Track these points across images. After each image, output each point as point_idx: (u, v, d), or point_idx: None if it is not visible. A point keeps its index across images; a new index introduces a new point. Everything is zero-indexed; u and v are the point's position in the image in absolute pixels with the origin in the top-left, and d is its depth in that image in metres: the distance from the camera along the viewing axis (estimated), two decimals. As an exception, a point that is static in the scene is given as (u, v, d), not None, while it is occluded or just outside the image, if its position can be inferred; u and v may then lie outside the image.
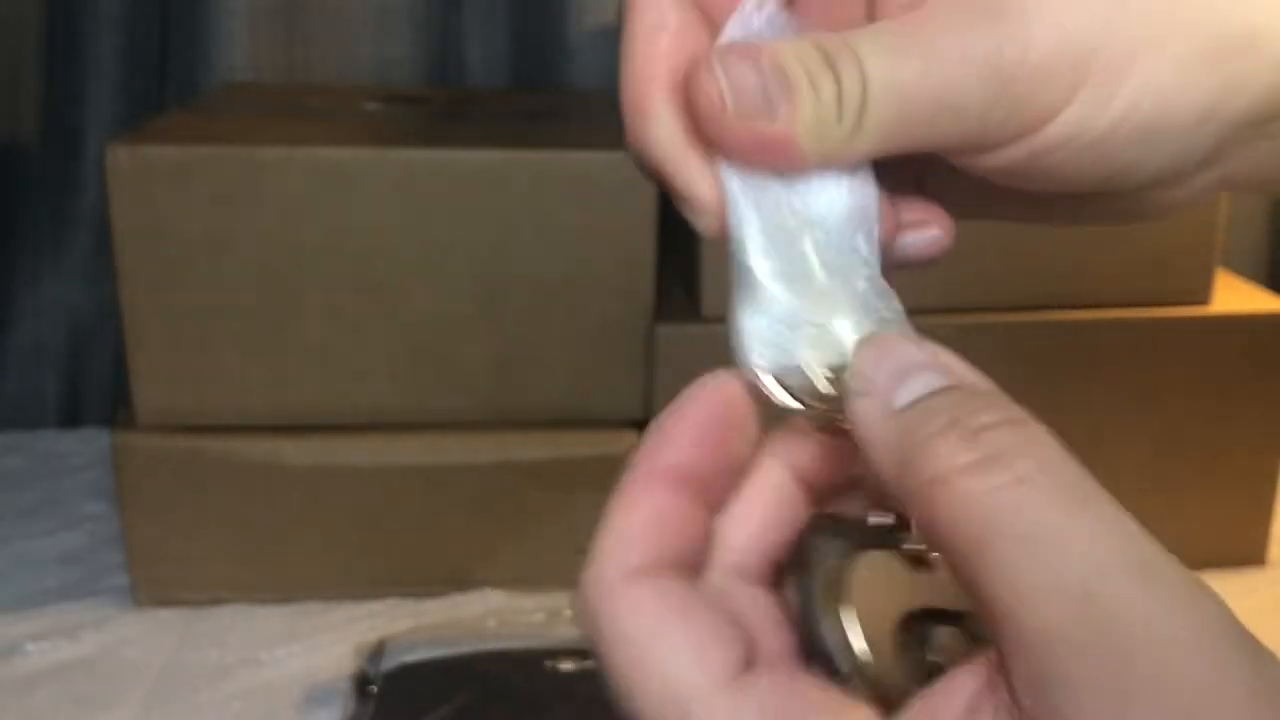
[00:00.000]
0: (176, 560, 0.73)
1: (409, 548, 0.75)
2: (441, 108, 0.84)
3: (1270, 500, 0.80)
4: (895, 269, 0.27)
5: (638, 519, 0.23)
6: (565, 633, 0.69)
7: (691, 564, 0.24)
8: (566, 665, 0.65)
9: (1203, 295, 0.76)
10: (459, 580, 0.75)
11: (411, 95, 0.88)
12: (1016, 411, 0.21)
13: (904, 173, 0.27)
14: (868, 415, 0.22)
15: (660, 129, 0.25)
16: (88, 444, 0.94)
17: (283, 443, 0.72)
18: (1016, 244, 0.73)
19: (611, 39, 0.97)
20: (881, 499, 0.25)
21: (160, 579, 0.74)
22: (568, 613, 0.71)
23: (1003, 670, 0.20)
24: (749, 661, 0.22)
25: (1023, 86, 0.24)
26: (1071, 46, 0.24)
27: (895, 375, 0.22)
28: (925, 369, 0.22)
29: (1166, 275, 0.76)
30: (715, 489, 0.24)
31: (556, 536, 0.75)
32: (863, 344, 0.23)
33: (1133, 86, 0.24)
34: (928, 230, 0.28)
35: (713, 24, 0.26)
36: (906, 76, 0.24)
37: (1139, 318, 0.75)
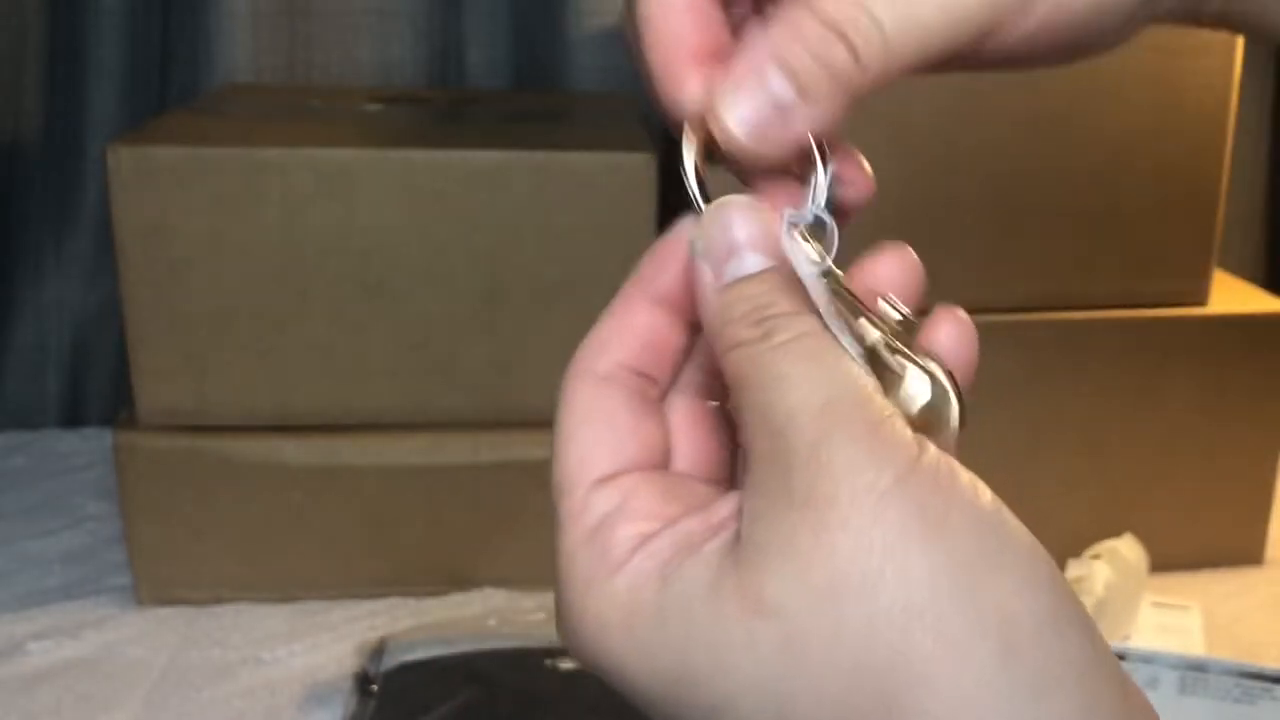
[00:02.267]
0: (178, 559, 0.74)
1: (409, 547, 0.75)
2: (442, 108, 0.85)
3: (1268, 500, 0.80)
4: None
5: (610, 328, 0.29)
6: (565, 632, 0.69)
7: (662, 370, 0.29)
8: (566, 665, 0.65)
9: (1200, 295, 0.76)
10: (459, 580, 0.75)
11: (412, 96, 0.88)
12: (799, 301, 0.26)
13: None
14: (701, 279, 0.27)
15: (692, 93, 0.29)
16: (89, 443, 0.94)
17: (284, 443, 0.72)
18: (1016, 244, 0.74)
19: (612, 39, 0.97)
20: None
21: (162, 578, 0.74)
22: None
23: (731, 513, 0.26)
24: (634, 464, 0.28)
25: None
26: None
27: (728, 249, 0.26)
28: (754, 249, 0.26)
29: (1164, 275, 0.76)
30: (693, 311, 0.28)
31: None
32: (717, 205, 0.27)
33: None
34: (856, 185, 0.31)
35: None
36: (923, 14, 0.27)
37: (1137, 318, 0.75)
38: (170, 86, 0.95)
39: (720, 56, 0.29)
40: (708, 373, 0.30)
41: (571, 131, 0.79)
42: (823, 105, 0.27)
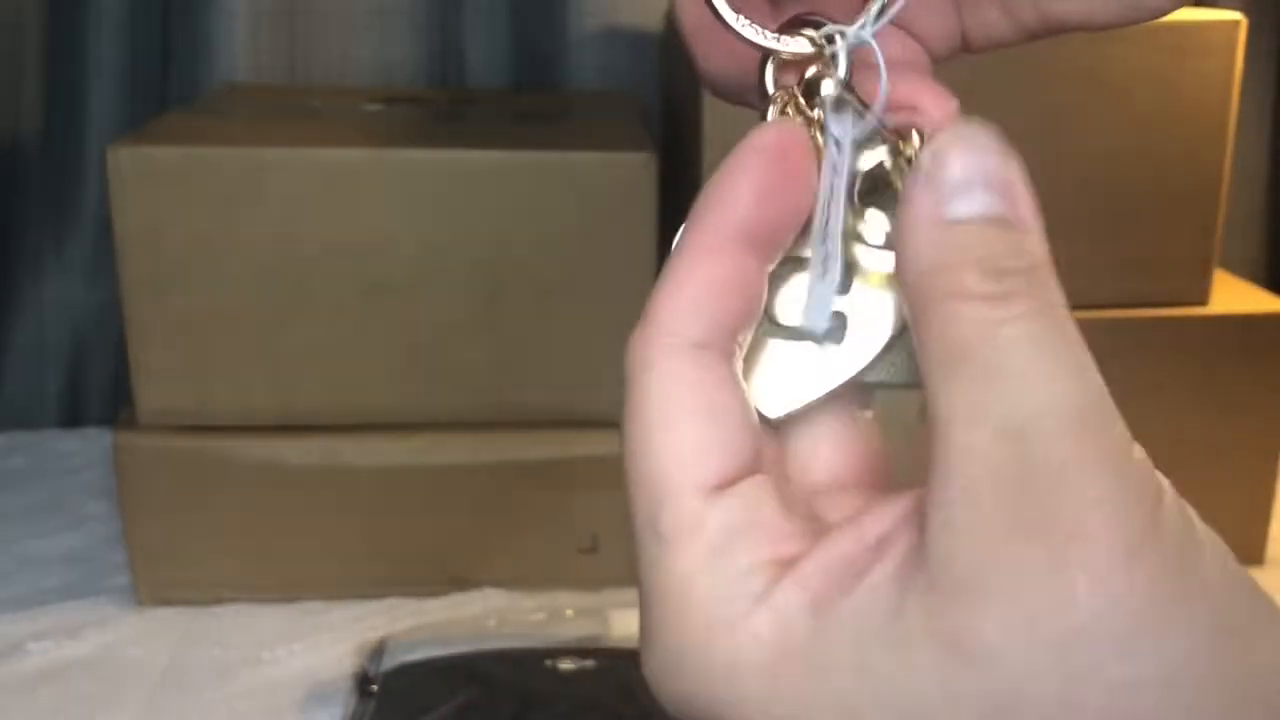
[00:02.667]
0: (178, 560, 0.74)
1: (409, 548, 0.75)
2: (441, 108, 0.85)
3: (1269, 500, 0.80)
4: None
5: (695, 284, 0.23)
6: (565, 633, 0.69)
7: (751, 324, 0.24)
8: (566, 665, 0.65)
9: (1201, 295, 0.76)
10: (459, 580, 0.75)
11: (412, 95, 0.88)
12: (1041, 257, 0.22)
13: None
14: (920, 211, 0.21)
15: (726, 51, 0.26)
16: (89, 444, 0.94)
17: (283, 443, 0.72)
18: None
19: (611, 39, 0.97)
20: None
21: (162, 578, 0.74)
22: (568, 613, 0.71)
23: (926, 498, 0.21)
24: (747, 469, 0.22)
25: None
26: None
27: (964, 181, 0.21)
28: (992, 188, 0.21)
29: (1165, 275, 0.76)
30: (778, 242, 0.24)
31: (556, 536, 0.75)
32: (951, 133, 0.22)
33: None
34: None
35: None
36: None
37: (1137, 317, 0.75)
38: (170, 86, 0.95)
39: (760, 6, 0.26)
40: None
41: (571, 131, 0.79)
42: None
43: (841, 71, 0.25)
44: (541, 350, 0.72)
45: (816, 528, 0.22)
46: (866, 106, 0.25)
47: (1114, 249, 0.75)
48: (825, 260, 0.24)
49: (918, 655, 0.19)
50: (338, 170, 0.69)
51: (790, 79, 0.25)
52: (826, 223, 0.24)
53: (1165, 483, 0.21)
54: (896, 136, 0.25)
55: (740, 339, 0.23)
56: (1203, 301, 0.76)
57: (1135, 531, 0.19)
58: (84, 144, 0.94)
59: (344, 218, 0.69)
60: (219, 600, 0.74)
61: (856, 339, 0.24)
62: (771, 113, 0.25)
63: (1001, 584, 0.19)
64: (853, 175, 0.24)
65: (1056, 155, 0.73)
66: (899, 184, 0.24)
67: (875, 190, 0.25)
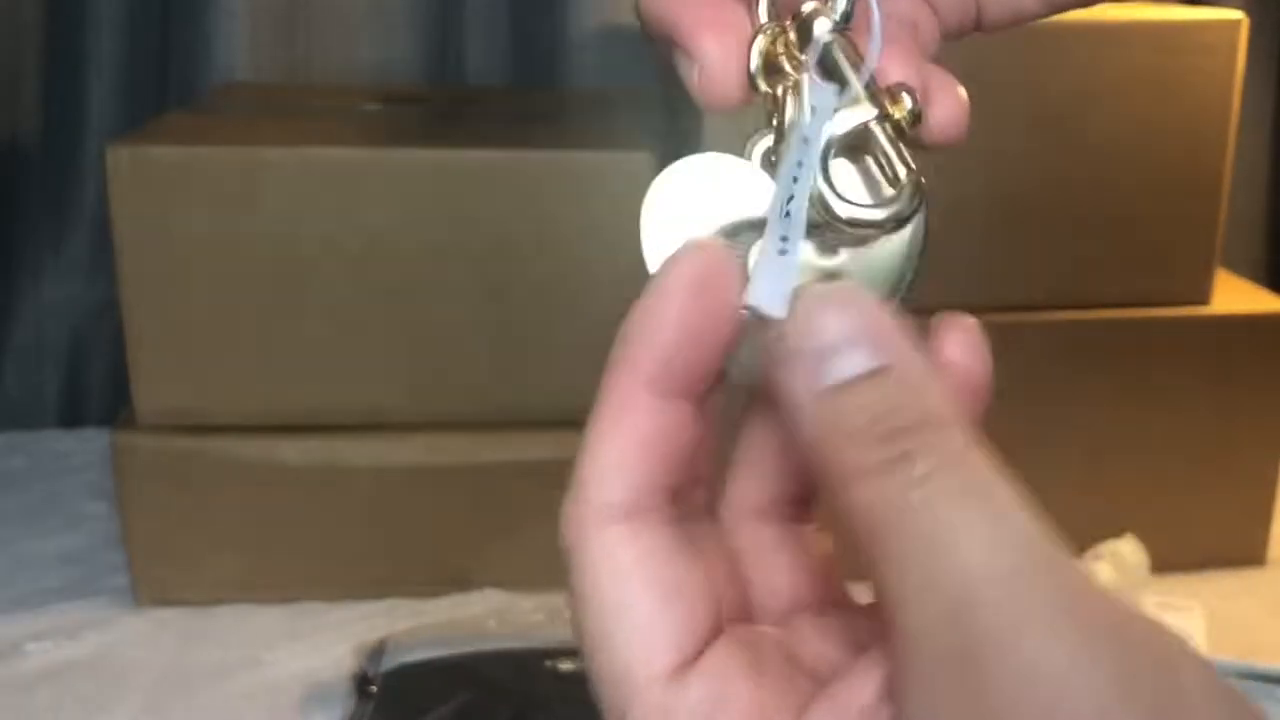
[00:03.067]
0: (177, 560, 0.73)
1: (409, 548, 0.75)
2: (441, 108, 0.84)
3: (1270, 500, 0.80)
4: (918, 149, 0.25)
5: (621, 444, 0.22)
6: (565, 633, 0.68)
7: (686, 475, 0.23)
8: (566, 665, 0.65)
9: (1202, 295, 0.76)
10: (459, 580, 0.75)
11: (411, 95, 0.88)
12: (933, 407, 0.20)
13: None
14: (792, 384, 0.21)
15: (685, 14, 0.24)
16: (88, 444, 0.94)
17: (283, 443, 0.72)
18: (1018, 244, 0.74)
19: (611, 39, 0.97)
20: None
21: (161, 579, 0.74)
22: (568, 613, 0.71)
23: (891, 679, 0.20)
24: (710, 632, 0.22)
25: None
26: None
27: (826, 349, 0.20)
28: (859, 345, 0.20)
29: (1166, 275, 0.76)
30: (702, 378, 0.23)
31: (556, 536, 0.74)
32: (803, 295, 0.21)
33: None
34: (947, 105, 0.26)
35: None
36: None
37: (1139, 318, 0.75)
38: (169, 86, 0.95)
39: None
40: (766, 481, 0.24)
41: (571, 131, 0.79)
42: None
43: (839, 12, 0.23)
44: (541, 350, 0.72)
45: (793, 684, 0.22)
46: (860, 60, 0.23)
47: (1115, 249, 0.75)
48: (785, 239, 0.23)
49: None
50: (337, 170, 0.69)
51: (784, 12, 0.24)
52: (790, 199, 0.23)
53: (1132, 610, 0.19)
54: (887, 96, 0.24)
55: (686, 490, 0.23)
56: (1204, 301, 0.76)
57: (1104, 689, 0.18)
58: (83, 144, 0.94)
59: (344, 217, 0.69)
60: (218, 601, 0.74)
61: None
62: (758, 44, 0.24)
63: None
64: (827, 145, 0.23)
65: (1057, 155, 0.73)
66: (888, 150, 0.23)
67: (855, 149, 0.24)
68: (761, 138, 0.25)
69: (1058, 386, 0.75)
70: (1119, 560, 0.73)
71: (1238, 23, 0.72)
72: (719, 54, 0.24)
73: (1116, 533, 0.75)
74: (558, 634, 0.68)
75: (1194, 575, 0.78)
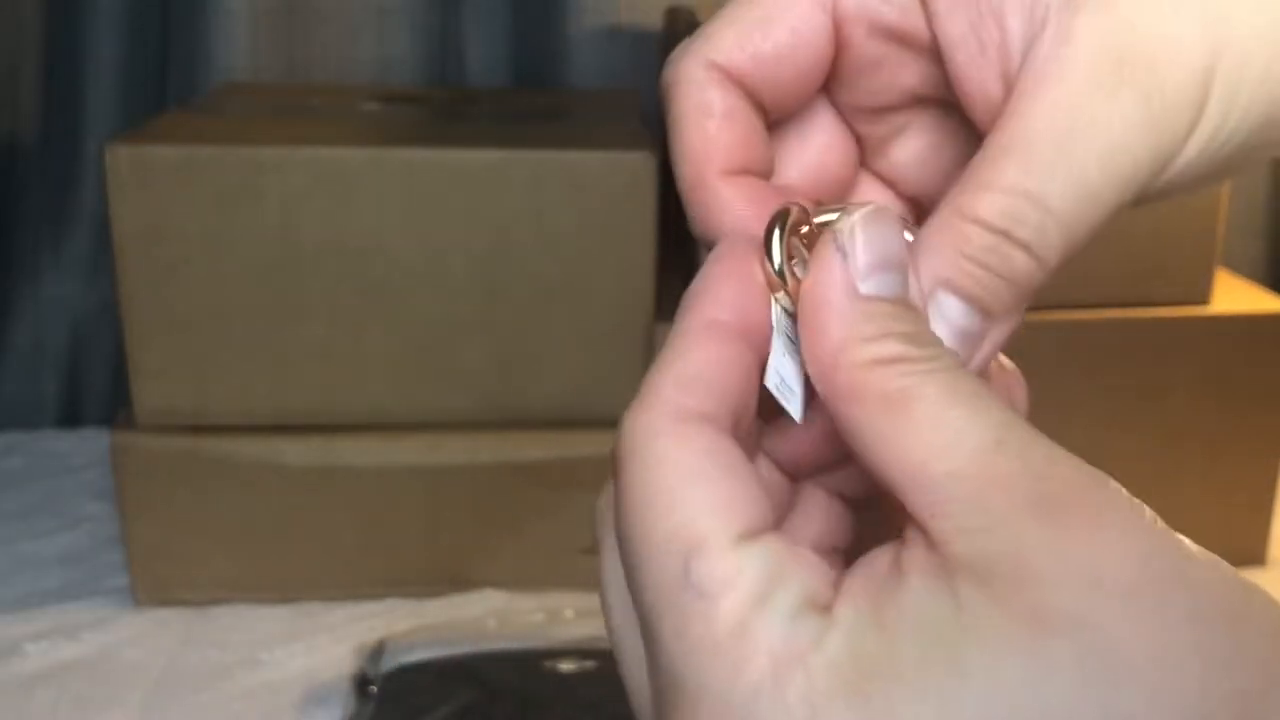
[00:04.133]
0: (176, 560, 0.73)
1: (409, 548, 0.75)
2: (441, 108, 0.84)
3: (1270, 500, 0.80)
4: None
5: (695, 363, 0.23)
6: (565, 633, 0.69)
7: (743, 422, 0.23)
8: (566, 665, 0.65)
9: (1203, 295, 0.76)
10: (459, 580, 0.75)
11: (411, 95, 0.88)
12: (942, 346, 0.22)
13: None
14: (832, 277, 0.22)
15: (726, 216, 0.26)
16: (87, 444, 0.94)
17: (283, 443, 0.72)
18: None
19: (612, 39, 0.97)
20: None
21: (160, 579, 0.74)
22: (568, 613, 0.71)
23: (909, 539, 0.21)
24: (769, 522, 0.22)
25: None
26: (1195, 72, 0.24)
27: (879, 261, 0.22)
28: (903, 270, 0.23)
29: (1166, 275, 0.76)
30: (765, 341, 0.24)
31: (556, 536, 0.75)
32: (870, 212, 0.23)
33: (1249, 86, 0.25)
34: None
35: (758, 105, 0.26)
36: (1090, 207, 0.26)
37: (1139, 318, 0.75)
38: (168, 85, 0.95)
39: (757, 170, 0.26)
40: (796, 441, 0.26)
41: (571, 131, 0.79)
42: (1012, 314, 0.25)
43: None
44: (541, 350, 0.72)
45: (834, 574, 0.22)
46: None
47: (1115, 249, 0.75)
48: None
49: (1004, 642, 0.19)
50: (337, 169, 0.69)
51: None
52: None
53: (1090, 474, 0.22)
54: None
55: (740, 422, 0.23)
56: (1204, 301, 0.76)
57: (1127, 501, 0.20)
58: (82, 143, 0.94)
59: (343, 217, 0.69)
60: (217, 601, 0.74)
61: None
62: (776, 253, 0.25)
63: (1050, 560, 0.19)
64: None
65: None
66: None
67: None
68: None
69: (1058, 387, 0.75)
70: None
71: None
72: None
73: (1116, 533, 0.75)
74: (558, 634, 0.68)
75: (1194, 575, 0.78)
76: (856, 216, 0.22)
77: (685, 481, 0.21)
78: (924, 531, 0.20)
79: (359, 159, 0.69)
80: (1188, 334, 0.76)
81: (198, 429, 0.72)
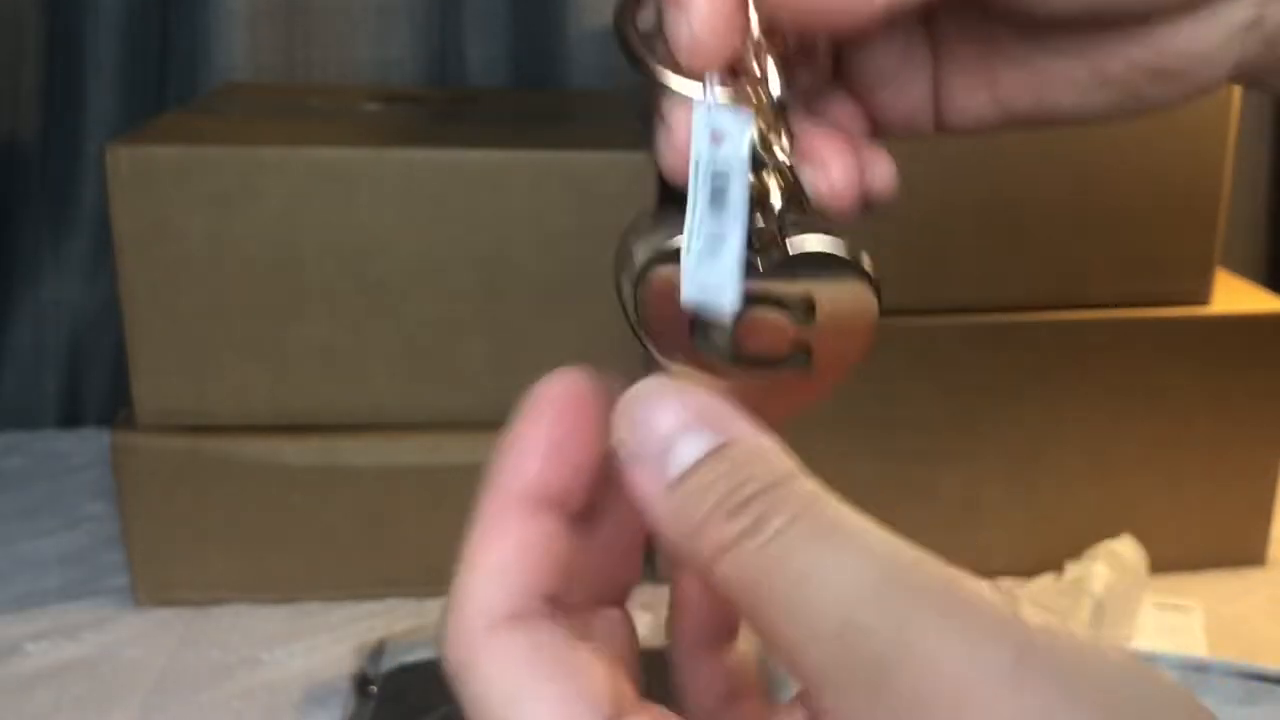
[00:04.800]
0: (177, 560, 0.73)
1: (409, 548, 0.75)
2: (441, 108, 0.84)
3: (1270, 500, 0.80)
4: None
5: (498, 555, 0.23)
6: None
7: (563, 588, 0.23)
8: (566, 665, 0.65)
9: (1202, 295, 0.76)
10: (459, 580, 0.75)
11: (411, 95, 0.88)
12: (777, 467, 0.21)
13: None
14: (644, 488, 0.22)
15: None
16: (87, 444, 0.94)
17: (283, 443, 0.72)
18: (1016, 243, 0.73)
19: (612, 39, 0.97)
20: None
21: (160, 579, 0.74)
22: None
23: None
24: (616, 712, 0.22)
25: None
26: None
27: (663, 443, 0.21)
28: (691, 429, 0.21)
29: (1166, 275, 0.76)
30: (578, 498, 0.24)
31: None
32: (624, 402, 0.23)
33: None
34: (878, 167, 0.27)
35: None
36: None
37: (1139, 318, 0.75)
38: (168, 85, 0.95)
39: None
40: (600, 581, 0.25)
41: (571, 131, 0.79)
42: None
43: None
44: (541, 350, 0.72)
45: None
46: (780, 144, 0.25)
47: (1115, 249, 0.75)
48: (716, 233, 0.24)
49: None
50: (337, 170, 0.69)
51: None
52: (713, 188, 0.24)
53: (996, 591, 0.20)
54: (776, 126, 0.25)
55: (556, 601, 0.23)
56: (1204, 301, 0.76)
57: (1006, 663, 0.18)
58: (83, 143, 0.94)
59: (343, 217, 0.69)
60: (218, 601, 0.74)
61: (824, 363, 0.25)
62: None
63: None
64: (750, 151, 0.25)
65: (1057, 154, 0.73)
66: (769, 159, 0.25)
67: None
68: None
69: (1057, 386, 0.75)
70: (1116, 560, 0.73)
71: (1238, 23, 0.72)
72: (709, 7, 0.25)
73: (1116, 533, 0.75)
74: (557, 634, 0.68)
75: (1194, 575, 0.78)
76: (620, 410, 0.22)
77: (520, 700, 0.21)
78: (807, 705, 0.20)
79: (359, 159, 0.69)
80: (1188, 334, 0.76)
81: (198, 429, 0.72)
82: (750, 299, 0.25)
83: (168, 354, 0.70)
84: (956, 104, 0.29)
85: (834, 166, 0.26)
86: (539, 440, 0.24)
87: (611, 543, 0.25)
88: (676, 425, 0.22)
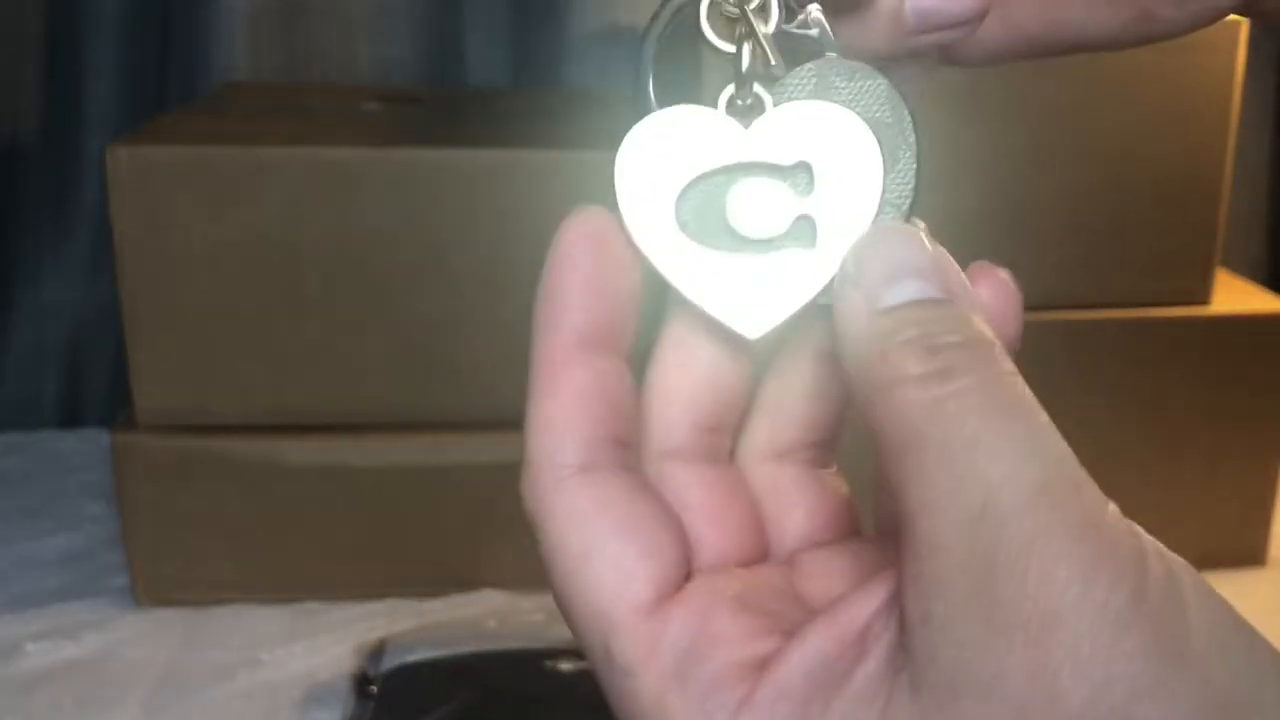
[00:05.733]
0: (177, 560, 0.73)
1: (409, 548, 0.75)
2: (441, 108, 0.84)
3: (1270, 500, 0.80)
4: (932, 39, 0.26)
5: (558, 406, 0.23)
6: (565, 634, 0.68)
7: (627, 428, 0.23)
8: (566, 665, 0.65)
9: (1203, 295, 0.76)
10: (459, 580, 0.75)
11: (411, 95, 0.88)
12: (984, 335, 0.21)
13: None
14: (851, 308, 0.21)
15: None
16: (87, 444, 0.94)
17: (283, 443, 0.72)
18: (1017, 243, 0.73)
19: (612, 39, 0.97)
20: None
21: (160, 579, 0.74)
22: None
23: (900, 591, 0.20)
24: (682, 569, 0.22)
25: None
26: None
27: (889, 274, 0.21)
28: (918, 275, 0.21)
29: (1166, 275, 0.76)
30: (622, 332, 0.24)
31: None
32: (870, 234, 0.22)
33: None
34: None
35: None
36: None
37: (1139, 317, 0.75)
38: (169, 86, 0.95)
39: None
40: (787, 426, 0.25)
41: (571, 131, 0.79)
42: None
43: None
44: (541, 350, 0.71)
45: (784, 617, 0.22)
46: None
47: (1115, 248, 0.75)
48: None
49: None
50: (337, 169, 0.69)
51: None
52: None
53: (1148, 542, 0.20)
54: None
55: (631, 441, 0.23)
56: (1204, 301, 0.76)
57: (1113, 610, 0.18)
58: (83, 144, 0.94)
59: (344, 217, 0.69)
60: (218, 601, 0.74)
61: (830, 236, 0.23)
62: None
63: (986, 683, 0.18)
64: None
65: (1058, 153, 0.73)
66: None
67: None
68: (726, 88, 0.25)
69: (1057, 386, 0.75)
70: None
71: (1238, 23, 0.72)
72: None
73: (1117, 533, 0.75)
74: (558, 634, 0.68)
75: (1194, 575, 0.78)
76: (860, 241, 0.22)
77: (583, 558, 0.22)
78: (905, 622, 0.19)
79: (359, 159, 0.69)
80: (1188, 334, 0.76)
81: (198, 429, 0.72)
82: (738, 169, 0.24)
83: (168, 354, 0.70)
84: None
85: None
86: (577, 283, 0.24)
87: None
88: (908, 265, 0.21)
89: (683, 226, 0.24)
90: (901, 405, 0.20)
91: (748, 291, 0.24)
